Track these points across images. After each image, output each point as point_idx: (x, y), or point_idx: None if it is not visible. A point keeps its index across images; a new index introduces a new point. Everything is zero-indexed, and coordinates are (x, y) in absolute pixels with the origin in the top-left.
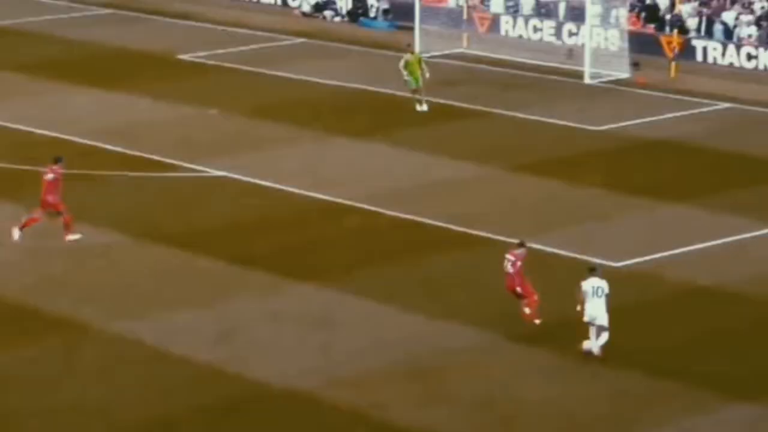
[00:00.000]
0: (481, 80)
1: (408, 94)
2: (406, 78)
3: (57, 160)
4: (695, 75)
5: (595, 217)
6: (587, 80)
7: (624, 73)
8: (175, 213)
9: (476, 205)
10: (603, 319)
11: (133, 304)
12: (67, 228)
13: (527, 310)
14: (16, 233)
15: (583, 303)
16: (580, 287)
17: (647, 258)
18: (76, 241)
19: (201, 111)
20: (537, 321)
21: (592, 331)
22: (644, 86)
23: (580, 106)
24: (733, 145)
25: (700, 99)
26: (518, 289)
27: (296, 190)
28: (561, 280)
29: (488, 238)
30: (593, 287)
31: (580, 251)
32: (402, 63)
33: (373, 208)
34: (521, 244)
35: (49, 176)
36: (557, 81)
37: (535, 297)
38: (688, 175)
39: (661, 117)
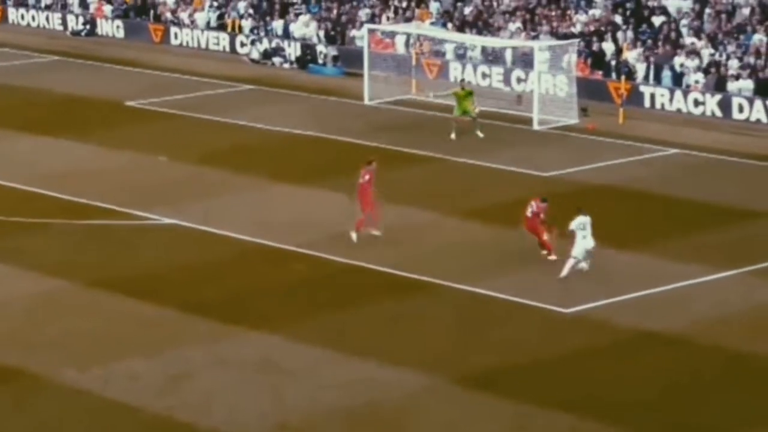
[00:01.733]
0: (429, 126)
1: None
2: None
3: None
4: (643, 121)
5: (542, 262)
6: (536, 126)
7: (573, 119)
8: (121, 260)
9: (422, 250)
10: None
11: (80, 353)
12: None
13: (544, 253)
14: None
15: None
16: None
17: (595, 304)
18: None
19: (149, 158)
20: (552, 257)
21: (579, 263)
22: (593, 132)
23: (528, 152)
24: (680, 190)
25: (648, 144)
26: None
27: (243, 237)
28: (510, 327)
29: (433, 283)
30: (581, 224)
31: (528, 297)
32: (449, 92)
33: (319, 254)
34: (544, 200)
35: None
36: (506, 127)
37: (545, 237)
38: (635, 220)
39: (609, 162)
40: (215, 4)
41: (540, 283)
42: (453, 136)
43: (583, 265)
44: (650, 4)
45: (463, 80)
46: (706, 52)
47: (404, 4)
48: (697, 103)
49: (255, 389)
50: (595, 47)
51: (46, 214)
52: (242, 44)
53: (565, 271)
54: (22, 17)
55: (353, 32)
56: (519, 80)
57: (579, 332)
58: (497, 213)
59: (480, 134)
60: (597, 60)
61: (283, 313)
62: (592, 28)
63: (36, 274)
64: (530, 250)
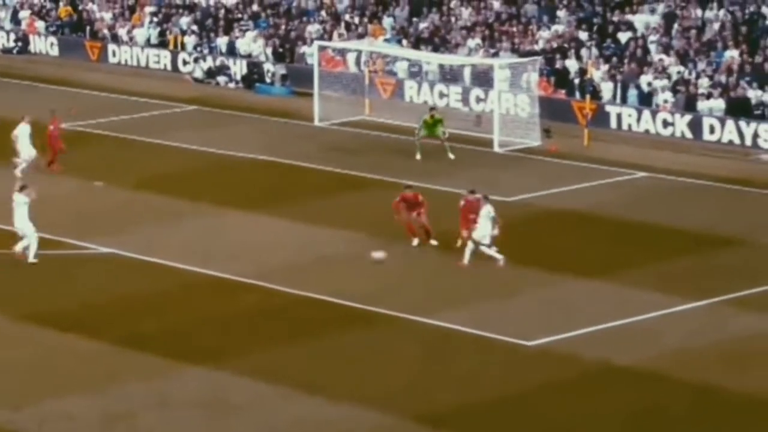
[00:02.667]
0: (383, 148)
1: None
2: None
3: None
4: (609, 143)
5: (500, 293)
6: (496, 148)
7: (535, 141)
8: (56, 292)
9: (373, 280)
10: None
11: (12, 391)
12: None
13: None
14: None
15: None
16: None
17: (560, 336)
18: None
19: (84, 184)
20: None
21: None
22: (556, 154)
23: (488, 175)
24: (648, 216)
25: (614, 168)
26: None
27: (186, 267)
28: (470, 361)
29: (386, 315)
30: (486, 212)
31: (487, 329)
32: (420, 123)
33: (266, 285)
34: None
35: None
36: (465, 149)
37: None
38: (601, 248)
39: (573, 187)
40: (155, 19)
41: (501, 314)
42: (418, 156)
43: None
44: (615, 19)
45: (433, 108)
46: (675, 70)
47: (356, 20)
48: (666, 123)
49: (200, 429)
50: (558, 65)
51: None
52: (185, 62)
53: (466, 258)
54: None
55: (303, 49)
56: (478, 100)
57: (543, 366)
58: (451, 239)
59: (451, 156)
60: (560, 78)
61: (229, 346)
62: (554, 45)
63: None
64: (489, 280)
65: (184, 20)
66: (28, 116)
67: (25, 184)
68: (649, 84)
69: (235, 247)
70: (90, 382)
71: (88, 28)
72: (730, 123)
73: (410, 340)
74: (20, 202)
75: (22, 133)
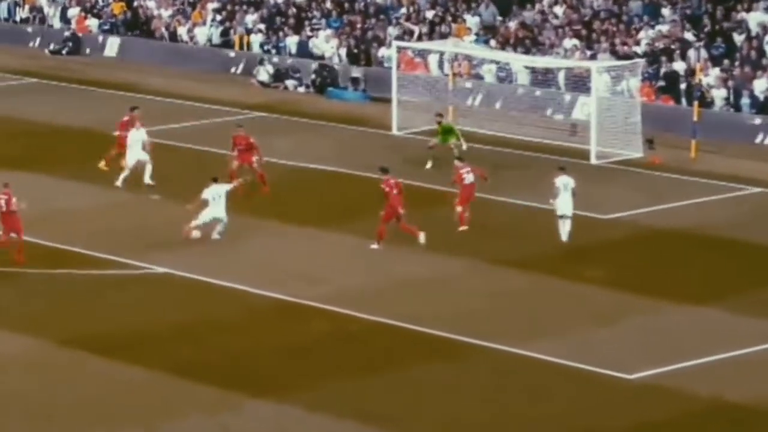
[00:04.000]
0: (468, 160)
1: None
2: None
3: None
4: (719, 154)
5: (599, 319)
6: (593, 160)
7: (636, 152)
8: (106, 315)
9: (455, 304)
10: (569, 210)
11: (58, 423)
12: None
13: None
14: None
15: (556, 198)
16: (553, 184)
17: (663, 369)
18: None
19: (140, 196)
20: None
21: (561, 223)
22: (659, 167)
23: (583, 190)
24: (762, 236)
25: (724, 182)
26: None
27: (250, 289)
28: (561, 396)
29: (469, 343)
30: (563, 183)
31: (583, 360)
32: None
33: (338, 310)
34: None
35: None
36: (558, 161)
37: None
38: (710, 271)
39: (679, 203)
40: (218, 17)
41: (598, 344)
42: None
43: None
44: (725, 16)
45: (439, 115)
46: None
47: (438, 19)
48: None
49: None
50: (663, 68)
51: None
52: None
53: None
54: None
55: (380, 51)
56: (573, 106)
57: (645, 402)
58: (545, 261)
59: (429, 165)
60: (667, 83)
61: (296, 378)
62: (659, 46)
63: (5, 331)
64: (585, 306)
65: (250, 18)
66: (139, 120)
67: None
68: (766, 89)
69: (304, 268)
70: (143, 415)
71: (144, 26)
72: None
73: (496, 371)
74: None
75: (134, 140)
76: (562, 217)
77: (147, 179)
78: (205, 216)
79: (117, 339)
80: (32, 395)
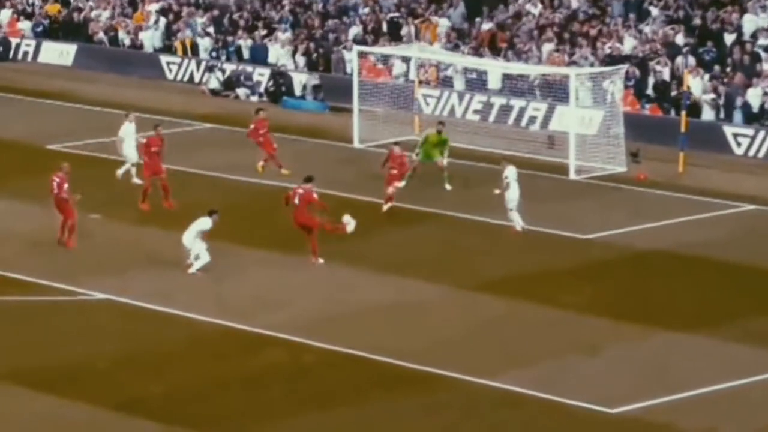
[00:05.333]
0: (437, 176)
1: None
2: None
3: None
4: (710, 168)
5: (577, 348)
6: (572, 175)
7: (619, 167)
8: (42, 346)
9: (423, 333)
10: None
11: None
12: None
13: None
14: None
15: (505, 190)
16: (504, 176)
17: (650, 402)
18: None
19: (79, 216)
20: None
21: (514, 215)
22: (645, 183)
23: (562, 208)
24: (755, 257)
25: (715, 199)
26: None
27: (197, 316)
28: (536, 430)
29: (438, 375)
30: (513, 175)
31: (560, 393)
32: (422, 137)
33: (295, 339)
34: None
35: None
36: (534, 176)
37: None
38: (700, 295)
39: (666, 222)
40: (163, 20)
41: (578, 375)
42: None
43: None
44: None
45: (441, 123)
46: None
47: (404, 21)
48: None
49: None
50: (648, 74)
51: None
52: (198, 70)
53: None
54: None
55: (340, 56)
56: (550, 116)
57: None
58: (520, 285)
59: (448, 186)
60: (651, 91)
61: (249, 413)
62: (644, 50)
63: None
64: (563, 334)
65: (199, 21)
66: (133, 114)
67: None
68: (762, 96)
69: (257, 294)
70: None
71: (81, 29)
72: None
73: (467, 406)
74: None
75: (127, 133)
76: (512, 210)
77: (119, 173)
78: None
79: (52, 371)
80: None
